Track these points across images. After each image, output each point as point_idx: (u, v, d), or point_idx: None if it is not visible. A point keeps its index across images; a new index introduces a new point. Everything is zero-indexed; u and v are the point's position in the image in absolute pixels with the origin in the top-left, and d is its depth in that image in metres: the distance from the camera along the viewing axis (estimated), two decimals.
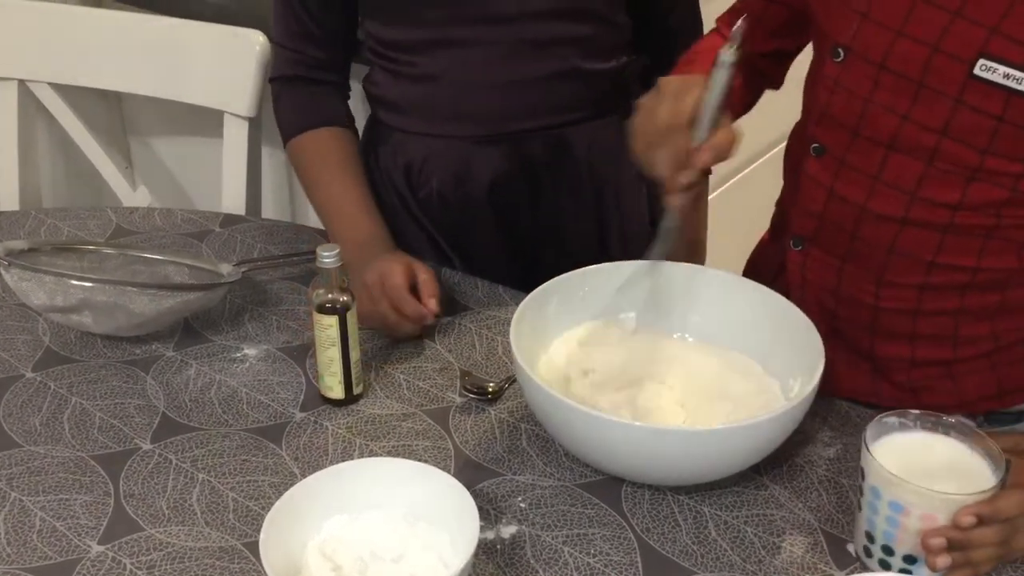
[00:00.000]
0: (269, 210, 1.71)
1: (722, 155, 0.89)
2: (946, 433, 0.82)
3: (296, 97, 1.25)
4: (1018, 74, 0.81)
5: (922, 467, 0.80)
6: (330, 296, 0.97)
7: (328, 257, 0.95)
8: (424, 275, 1.08)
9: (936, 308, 0.95)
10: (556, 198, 1.24)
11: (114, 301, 1.02)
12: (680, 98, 0.89)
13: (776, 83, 1.13)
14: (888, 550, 0.80)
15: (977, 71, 0.82)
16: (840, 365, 1.00)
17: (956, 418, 0.83)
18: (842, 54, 0.91)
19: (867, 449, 0.79)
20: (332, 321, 0.97)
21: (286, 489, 0.82)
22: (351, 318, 0.98)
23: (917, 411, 0.83)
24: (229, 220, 1.37)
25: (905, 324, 0.96)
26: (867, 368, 1.01)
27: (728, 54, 0.86)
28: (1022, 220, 0.89)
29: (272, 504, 0.80)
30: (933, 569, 0.78)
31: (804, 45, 1.08)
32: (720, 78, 0.87)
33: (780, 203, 1.12)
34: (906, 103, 0.87)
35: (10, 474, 0.92)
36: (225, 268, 1.16)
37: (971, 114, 0.84)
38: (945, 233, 0.90)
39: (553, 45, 1.16)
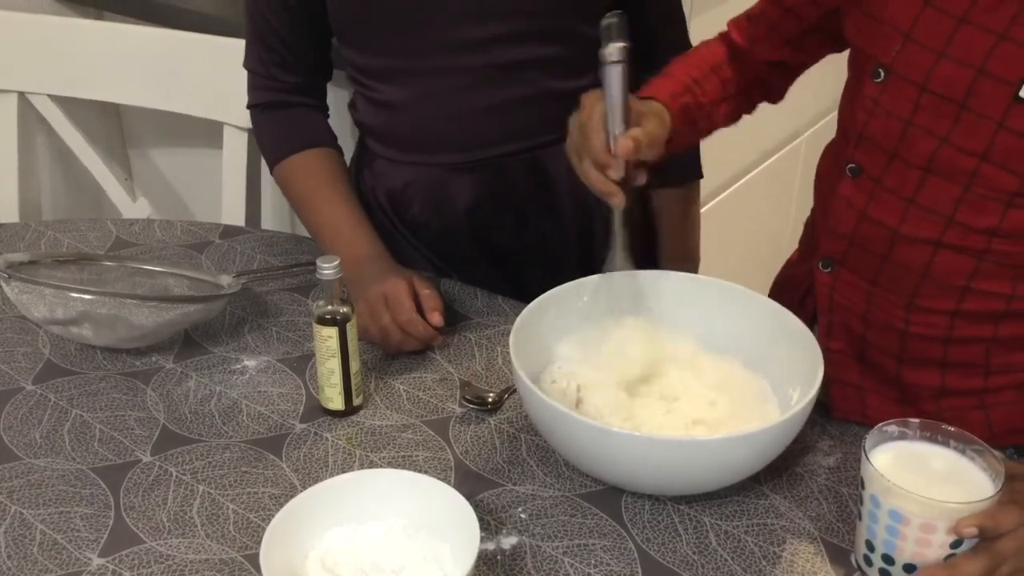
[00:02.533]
0: (269, 221, 1.72)
1: (640, 144, 0.90)
2: (945, 443, 0.82)
3: (275, 122, 1.25)
4: None
5: (921, 476, 0.80)
6: (330, 307, 0.97)
7: (328, 269, 0.96)
8: (426, 290, 1.09)
9: (968, 336, 0.93)
10: (538, 219, 1.24)
11: (114, 313, 1.02)
12: (591, 104, 0.92)
13: (776, 96, 1.12)
14: (888, 559, 0.80)
15: (1023, 94, 0.81)
16: (868, 392, 1.00)
17: (956, 428, 0.83)
18: (883, 75, 0.90)
19: (867, 458, 0.80)
20: (332, 332, 0.97)
21: (286, 501, 0.82)
22: (351, 329, 0.98)
23: (917, 420, 0.83)
24: (229, 231, 1.37)
25: (935, 351, 0.95)
26: (894, 396, 1.00)
27: (610, 52, 0.88)
28: None
29: (272, 516, 0.80)
30: None
31: (810, 64, 1.08)
32: (610, 76, 0.89)
33: (809, 224, 1.11)
34: (946, 126, 0.86)
35: (10, 487, 0.92)
36: (225, 279, 1.17)
37: (1013, 138, 0.83)
38: (981, 259, 0.89)
39: (522, 69, 1.14)
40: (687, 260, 1.36)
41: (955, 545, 0.78)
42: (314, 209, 1.21)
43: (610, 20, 0.89)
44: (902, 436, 0.83)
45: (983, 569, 0.77)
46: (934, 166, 0.88)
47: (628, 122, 0.91)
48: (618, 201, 0.92)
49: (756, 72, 1.08)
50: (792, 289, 1.10)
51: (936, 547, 0.78)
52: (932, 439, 0.83)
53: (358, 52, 1.19)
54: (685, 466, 0.84)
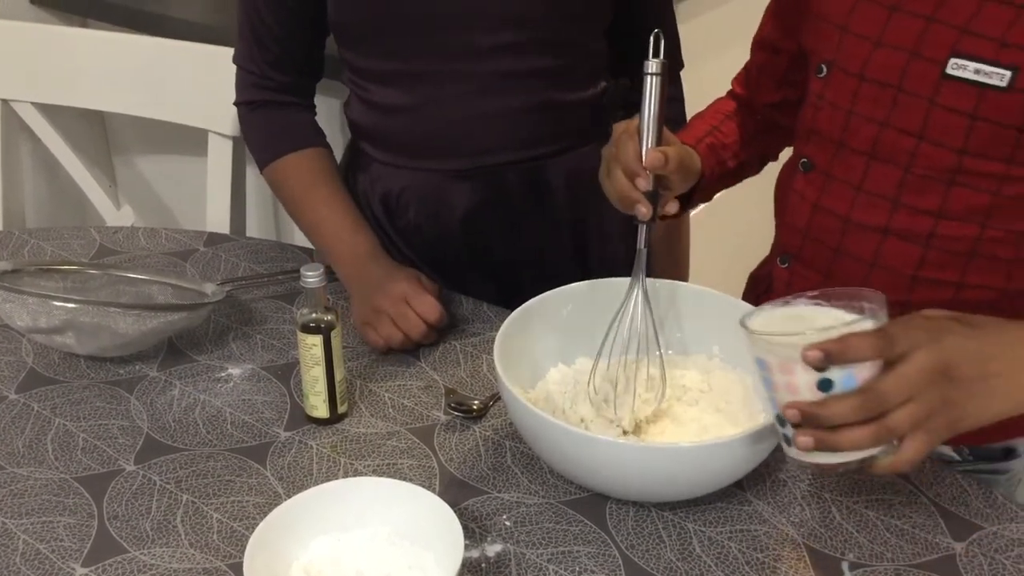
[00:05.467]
0: (254, 228, 1.71)
1: (669, 160, 0.89)
2: (838, 304, 0.76)
3: (265, 122, 1.25)
4: (987, 68, 0.84)
5: (795, 332, 0.74)
6: (314, 315, 0.97)
7: (312, 277, 0.96)
8: (432, 288, 1.13)
9: None
10: (533, 229, 1.24)
11: (98, 322, 1.02)
12: (628, 123, 0.93)
13: (790, 135, 1.13)
14: (781, 420, 0.75)
15: (949, 70, 0.85)
16: None
17: (857, 288, 0.77)
18: (825, 70, 0.95)
19: (741, 323, 0.76)
20: (316, 340, 0.97)
21: (270, 509, 0.82)
22: (335, 337, 0.98)
23: (810, 292, 0.78)
24: (213, 239, 1.37)
25: None
26: None
27: (651, 65, 0.88)
28: (1006, 234, 0.90)
29: (256, 524, 0.80)
30: (800, 448, 0.73)
31: None
32: (648, 88, 0.89)
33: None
34: (885, 110, 0.90)
35: None
36: (209, 287, 1.16)
37: (945, 114, 0.87)
38: (927, 246, 0.92)
39: (527, 78, 1.15)
40: (677, 267, 1.37)
41: (824, 387, 0.72)
42: (310, 208, 1.21)
43: (655, 33, 0.89)
44: (785, 304, 0.78)
45: (854, 408, 0.71)
46: (877, 151, 0.92)
47: (660, 140, 0.91)
48: (645, 211, 0.90)
49: (765, 117, 1.12)
50: (759, 287, 1.13)
51: (805, 391, 0.72)
52: (822, 303, 0.76)
53: (359, 55, 1.18)
54: (668, 472, 0.84)
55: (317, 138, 1.26)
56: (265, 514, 0.81)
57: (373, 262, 1.16)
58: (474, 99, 1.15)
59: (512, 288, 1.25)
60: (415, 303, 1.10)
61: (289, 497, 0.84)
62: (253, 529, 0.80)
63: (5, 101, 1.59)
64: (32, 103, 1.60)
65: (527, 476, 0.94)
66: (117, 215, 1.68)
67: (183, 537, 0.88)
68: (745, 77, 1.13)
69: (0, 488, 0.93)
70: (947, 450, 1.03)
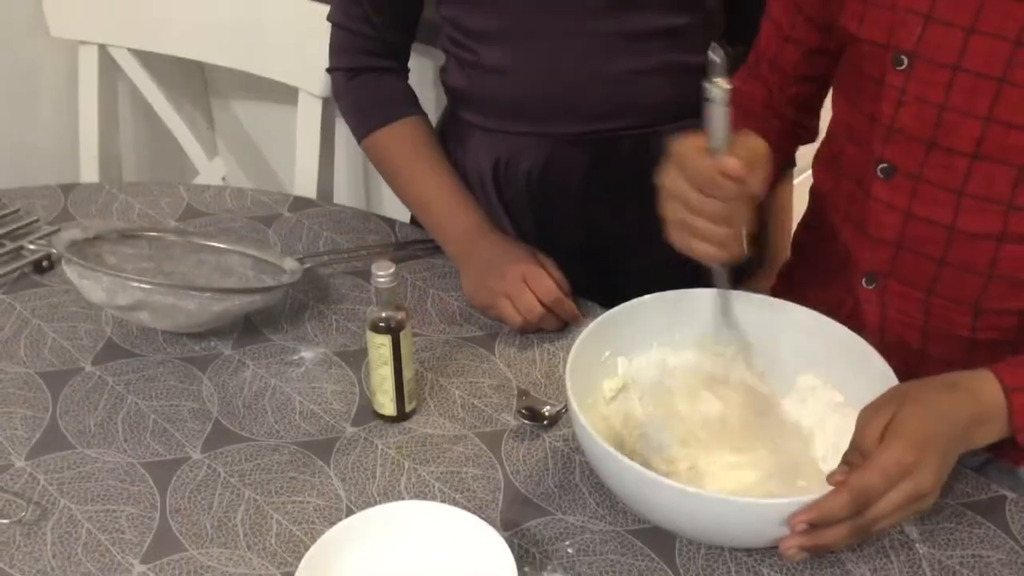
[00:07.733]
0: (342, 195, 1.68)
1: (752, 156, 0.82)
2: None
3: (362, 92, 1.20)
4: None
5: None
6: (384, 314, 0.94)
7: (383, 277, 0.92)
8: (556, 271, 1.07)
9: None
10: (641, 204, 1.17)
11: (172, 302, 1.01)
12: (694, 138, 0.84)
13: (810, 134, 1.06)
14: None
15: None
16: None
17: None
18: (906, 61, 0.85)
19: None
20: (385, 340, 0.94)
21: (331, 514, 0.82)
22: (405, 336, 0.94)
23: None
24: (298, 204, 1.34)
25: (1004, 356, 0.86)
26: None
27: (716, 90, 0.80)
28: None
29: (316, 530, 0.80)
30: (785, 556, 0.77)
31: (824, 91, 1.02)
32: (716, 114, 0.81)
33: (803, 226, 1.07)
34: (987, 104, 0.81)
35: (61, 479, 0.92)
36: (288, 263, 1.14)
37: None
38: None
39: (649, 38, 1.08)
40: (772, 261, 1.28)
41: None
42: (415, 183, 1.18)
43: (718, 53, 0.80)
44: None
45: (846, 505, 0.74)
46: (982, 150, 0.83)
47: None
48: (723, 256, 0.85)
49: (779, 113, 1.03)
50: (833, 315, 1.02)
51: None
52: None
53: (463, 12, 1.12)
54: (740, 527, 0.78)
55: (414, 107, 1.21)
56: (325, 519, 0.81)
57: (484, 239, 1.12)
58: (590, 60, 1.09)
59: (615, 269, 1.19)
60: (533, 284, 1.05)
61: (350, 500, 0.82)
62: (312, 534, 0.80)
63: (102, 46, 1.59)
64: (128, 49, 1.59)
65: (595, 497, 0.90)
66: (209, 166, 1.68)
67: (241, 538, 0.87)
68: (748, 73, 1.04)
69: (69, 469, 0.93)
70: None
